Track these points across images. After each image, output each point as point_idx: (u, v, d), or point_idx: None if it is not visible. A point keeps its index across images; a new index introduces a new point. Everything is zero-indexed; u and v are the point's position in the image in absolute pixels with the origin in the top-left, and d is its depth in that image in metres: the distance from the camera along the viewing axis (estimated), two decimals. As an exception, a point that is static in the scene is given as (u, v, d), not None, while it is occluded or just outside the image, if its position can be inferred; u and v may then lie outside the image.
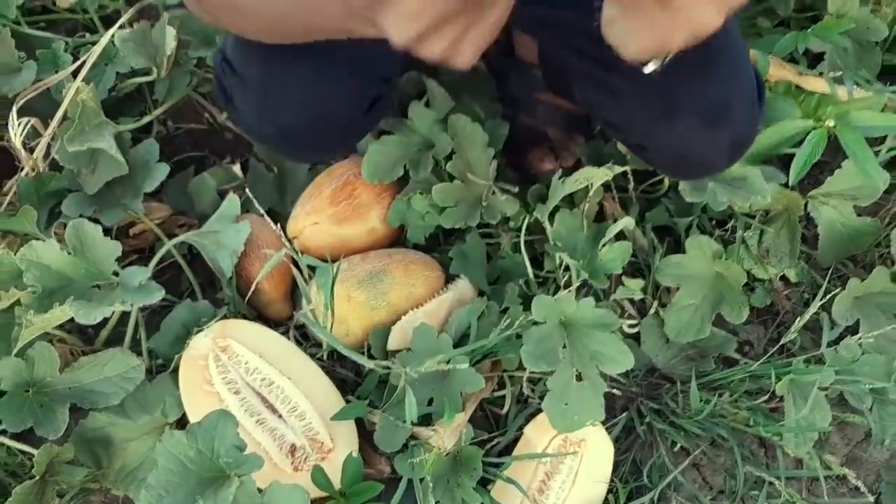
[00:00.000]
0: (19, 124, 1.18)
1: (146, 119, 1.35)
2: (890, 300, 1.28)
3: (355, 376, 1.23)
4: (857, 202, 1.31)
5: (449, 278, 1.27)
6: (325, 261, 1.12)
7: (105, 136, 1.21)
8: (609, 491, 1.18)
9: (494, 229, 1.32)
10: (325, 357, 1.21)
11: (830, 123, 1.06)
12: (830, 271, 1.36)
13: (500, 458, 1.17)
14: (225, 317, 1.21)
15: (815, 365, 1.21)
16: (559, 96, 1.36)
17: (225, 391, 1.12)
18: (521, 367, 1.13)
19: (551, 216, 1.24)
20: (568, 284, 1.22)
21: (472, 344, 1.13)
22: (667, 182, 1.32)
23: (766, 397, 1.21)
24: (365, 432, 1.17)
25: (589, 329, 1.09)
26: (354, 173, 1.28)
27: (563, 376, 1.07)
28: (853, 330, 1.28)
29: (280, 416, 1.13)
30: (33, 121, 1.23)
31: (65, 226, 1.20)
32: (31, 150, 1.24)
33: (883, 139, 1.30)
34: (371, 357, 1.17)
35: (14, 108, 1.22)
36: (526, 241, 1.24)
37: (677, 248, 1.32)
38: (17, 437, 1.09)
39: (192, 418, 1.10)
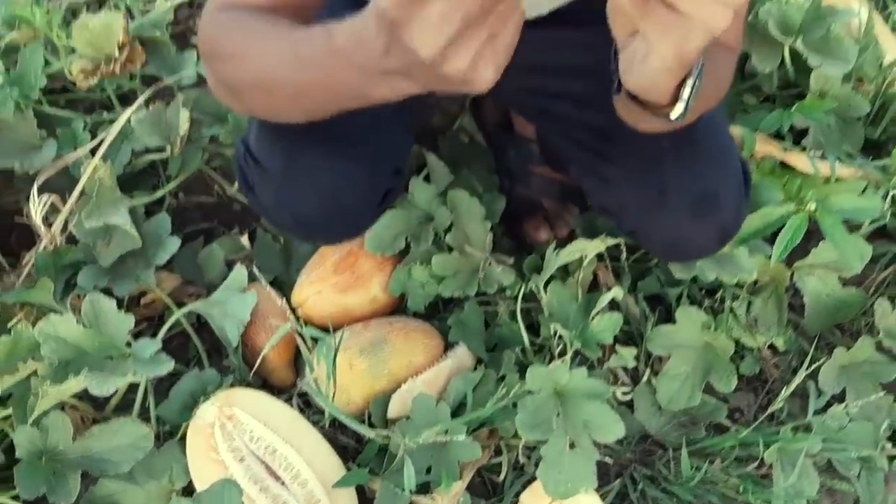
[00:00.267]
0: (40, 201, 1.24)
1: (159, 193, 1.41)
2: (875, 369, 1.31)
3: (356, 443, 1.27)
4: (842, 273, 1.35)
5: (448, 345, 1.32)
6: (327, 329, 1.16)
7: (121, 211, 1.27)
8: (604, 557, 1.20)
9: (492, 298, 1.38)
10: (326, 425, 1.25)
11: (811, 207, 1.11)
12: (817, 339, 1.39)
13: (496, 524, 1.20)
14: (231, 385, 1.25)
15: (803, 433, 1.24)
16: (555, 171, 1.42)
17: (230, 459, 1.16)
18: (517, 435, 1.16)
19: (546, 285, 1.29)
20: (562, 353, 1.26)
21: (469, 414, 1.17)
22: (657, 254, 1.37)
23: (755, 464, 1.24)
24: (365, 499, 1.20)
25: (581, 398, 1.13)
26: (357, 244, 1.34)
27: (556, 445, 1.11)
28: (840, 398, 1.31)
29: (283, 484, 1.16)
30: (53, 197, 1.28)
31: (79, 296, 1.26)
32: (49, 225, 1.29)
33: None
34: (371, 425, 1.21)
35: (35, 186, 1.28)
36: (522, 309, 1.29)
37: (669, 316, 1.37)
38: (30, 503, 1.13)
39: (199, 485, 1.14)
